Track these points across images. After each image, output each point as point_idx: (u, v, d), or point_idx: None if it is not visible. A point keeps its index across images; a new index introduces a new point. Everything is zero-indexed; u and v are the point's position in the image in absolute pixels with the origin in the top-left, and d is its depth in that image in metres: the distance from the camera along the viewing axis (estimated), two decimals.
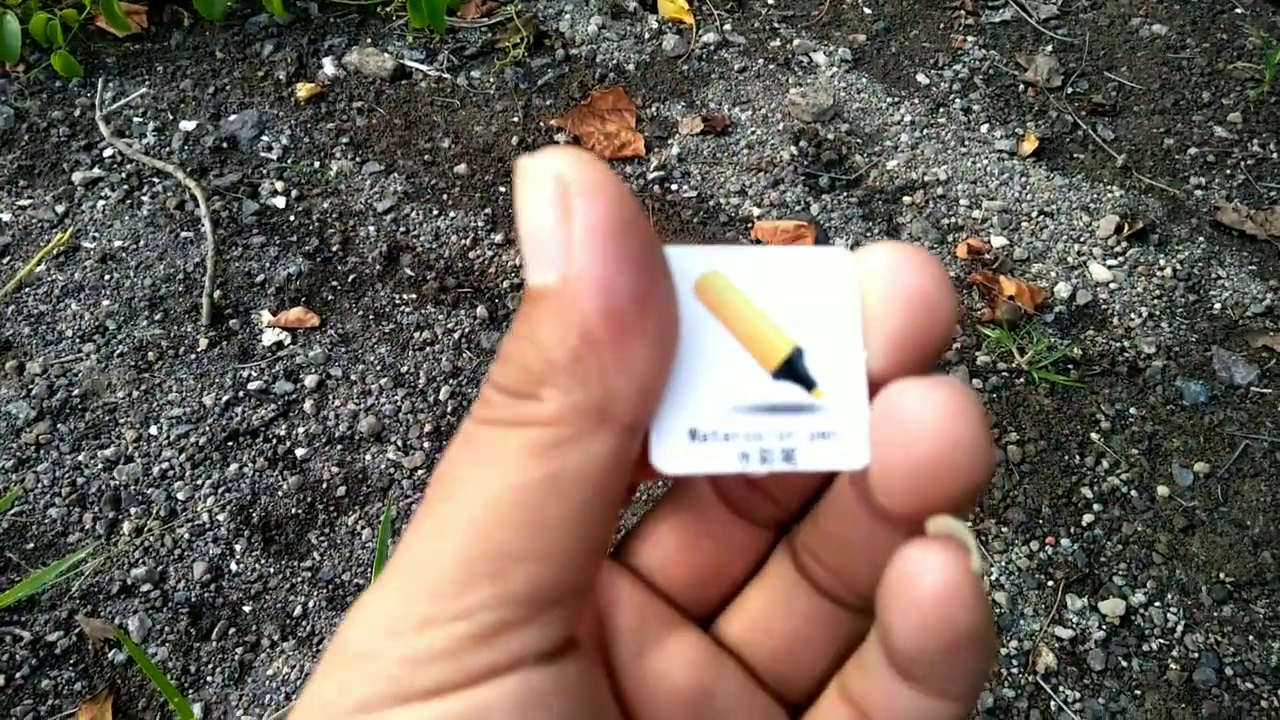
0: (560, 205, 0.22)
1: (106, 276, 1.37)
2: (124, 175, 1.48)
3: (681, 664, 0.29)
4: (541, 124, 1.60)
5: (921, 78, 1.73)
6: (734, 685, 0.29)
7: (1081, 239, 1.51)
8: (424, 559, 0.22)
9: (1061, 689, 1.12)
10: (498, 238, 1.45)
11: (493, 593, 0.21)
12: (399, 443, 1.24)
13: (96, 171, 1.48)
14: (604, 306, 0.22)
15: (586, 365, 0.22)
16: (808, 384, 0.25)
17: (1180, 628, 1.16)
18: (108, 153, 1.50)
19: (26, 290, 1.35)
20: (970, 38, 1.80)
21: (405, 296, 1.37)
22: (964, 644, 0.22)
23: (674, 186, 1.54)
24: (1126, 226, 1.51)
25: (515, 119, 1.61)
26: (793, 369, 0.25)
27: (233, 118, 1.56)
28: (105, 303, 1.34)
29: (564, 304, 0.22)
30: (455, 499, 0.22)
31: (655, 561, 0.30)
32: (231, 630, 1.10)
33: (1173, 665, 1.14)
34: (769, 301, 0.25)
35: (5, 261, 1.38)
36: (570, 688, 0.23)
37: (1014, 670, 1.13)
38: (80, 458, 1.21)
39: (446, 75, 1.66)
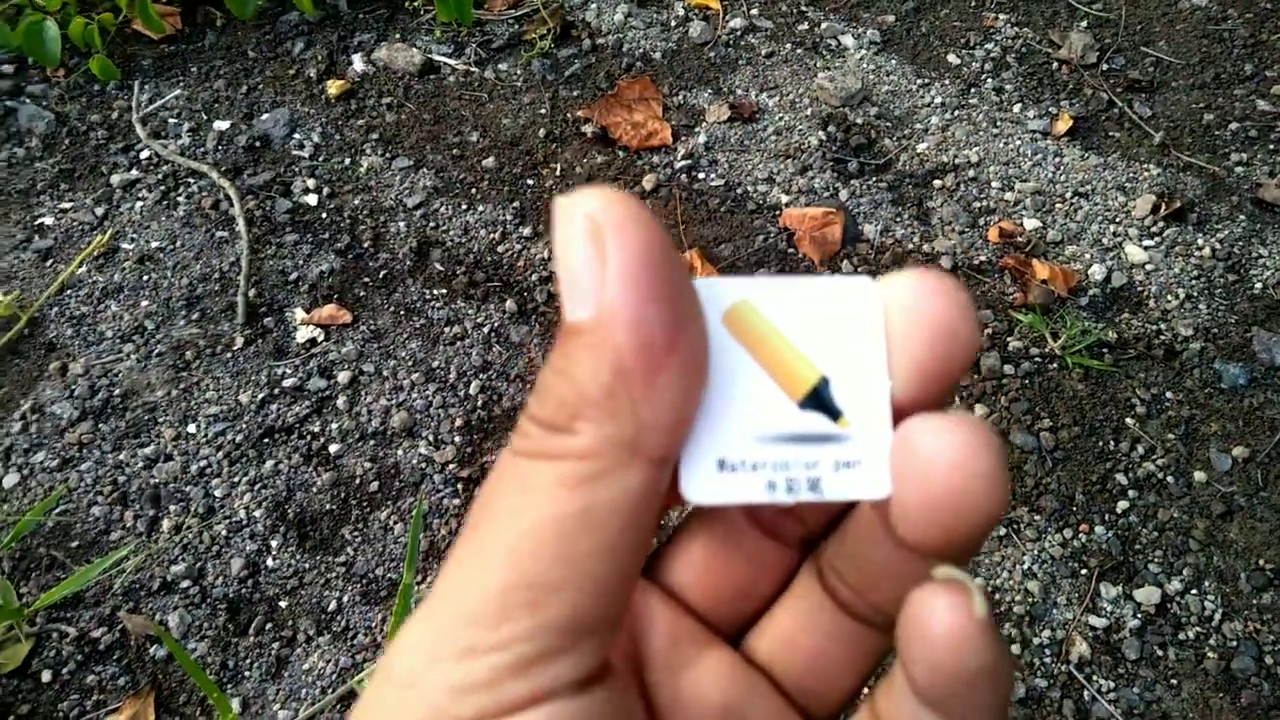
0: (594, 243, 0.22)
1: (145, 277, 1.40)
2: (160, 176, 1.51)
3: (713, 682, 0.30)
4: (569, 115, 1.61)
5: (952, 58, 1.70)
6: (764, 703, 0.30)
7: (1117, 220, 1.48)
8: (464, 588, 0.23)
9: (1095, 678, 1.11)
10: (526, 231, 1.46)
11: (530, 624, 0.22)
12: (430, 438, 1.25)
13: (134, 173, 1.51)
14: (636, 341, 0.22)
15: (619, 399, 0.23)
16: (834, 414, 0.25)
17: (1218, 616, 1.14)
18: (144, 154, 1.53)
19: (68, 292, 1.38)
20: (1002, 15, 1.76)
21: (435, 292, 1.39)
22: (977, 681, 0.24)
23: (701, 175, 1.54)
24: (1164, 206, 1.47)
25: (543, 111, 1.61)
26: (819, 399, 0.26)
27: (265, 116, 1.59)
28: (144, 303, 1.37)
29: (598, 339, 0.22)
30: (493, 529, 0.23)
31: (686, 579, 0.31)
32: (268, 625, 1.13)
33: (1210, 654, 1.12)
34: (796, 331, 0.26)
35: (48, 264, 1.41)
36: (604, 715, 0.24)
37: (1047, 660, 1.12)
38: (121, 456, 1.24)
39: (474, 68, 1.67)
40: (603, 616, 0.23)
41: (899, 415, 0.25)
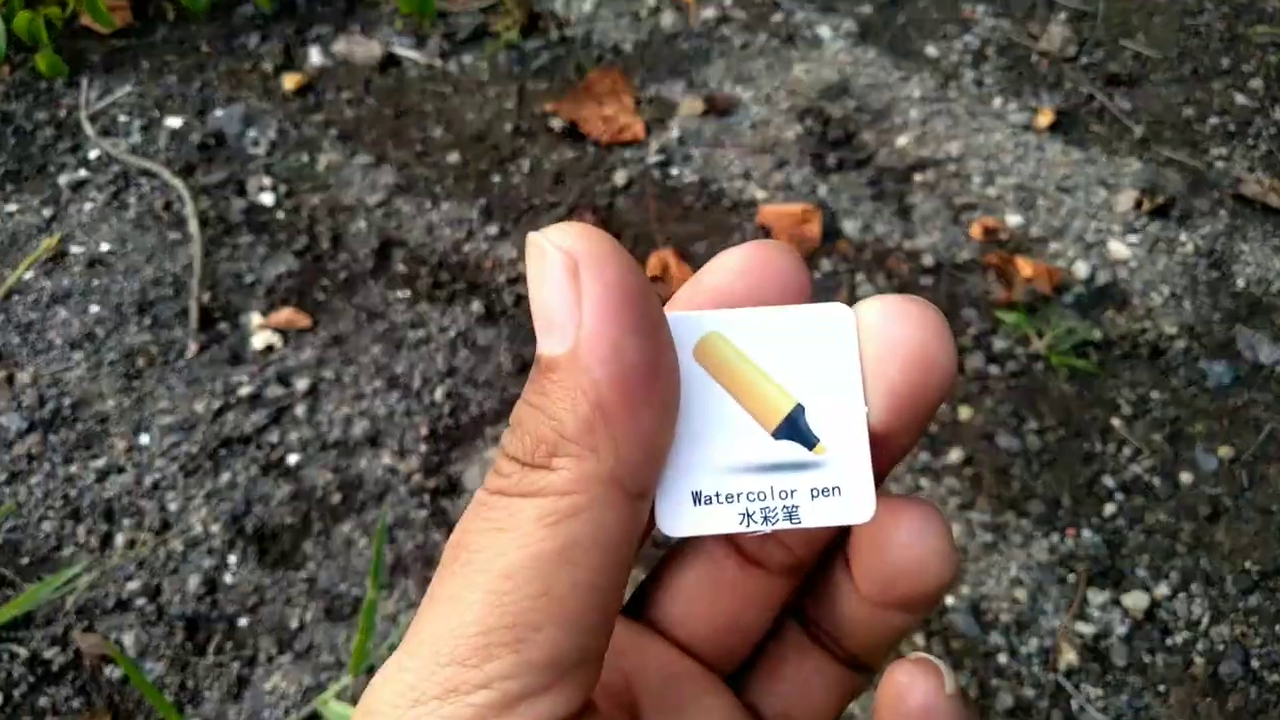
0: (570, 277, 0.22)
1: (94, 281, 1.34)
2: (110, 176, 1.45)
3: None
4: (536, 109, 1.56)
5: (931, 50, 1.67)
6: None
7: (1100, 215, 1.46)
8: (444, 628, 0.23)
9: (1084, 686, 1.08)
10: (493, 230, 1.41)
11: (513, 661, 0.22)
12: (394, 447, 1.20)
13: (83, 173, 1.45)
14: (616, 376, 0.22)
15: (598, 433, 0.23)
16: (808, 442, 0.25)
17: (1205, 620, 1.12)
18: (94, 154, 1.47)
19: (15, 297, 1.32)
20: (981, 7, 1.73)
21: (398, 294, 1.34)
22: None
23: (675, 171, 1.50)
24: (1146, 201, 1.45)
25: (509, 105, 1.56)
26: (793, 427, 0.26)
27: (219, 113, 1.53)
28: (94, 308, 1.31)
29: (575, 373, 0.22)
30: (471, 568, 0.23)
31: (674, 614, 0.31)
32: (228, 644, 1.08)
33: (1198, 659, 1.10)
34: (769, 360, 0.26)
35: None
36: None
37: (1035, 669, 1.09)
38: (72, 469, 1.18)
39: (437, 62, 1.62)
40: (585, 653, 0.23)
41: (878, 442, 0.26)
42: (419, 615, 0.24)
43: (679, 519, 0.25)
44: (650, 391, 0.23)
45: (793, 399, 0.26)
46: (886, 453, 0.27)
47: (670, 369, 0.24)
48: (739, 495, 0.25)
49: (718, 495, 0.25)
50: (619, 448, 0.23)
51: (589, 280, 0.22)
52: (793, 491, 0.25)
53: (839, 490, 0.25)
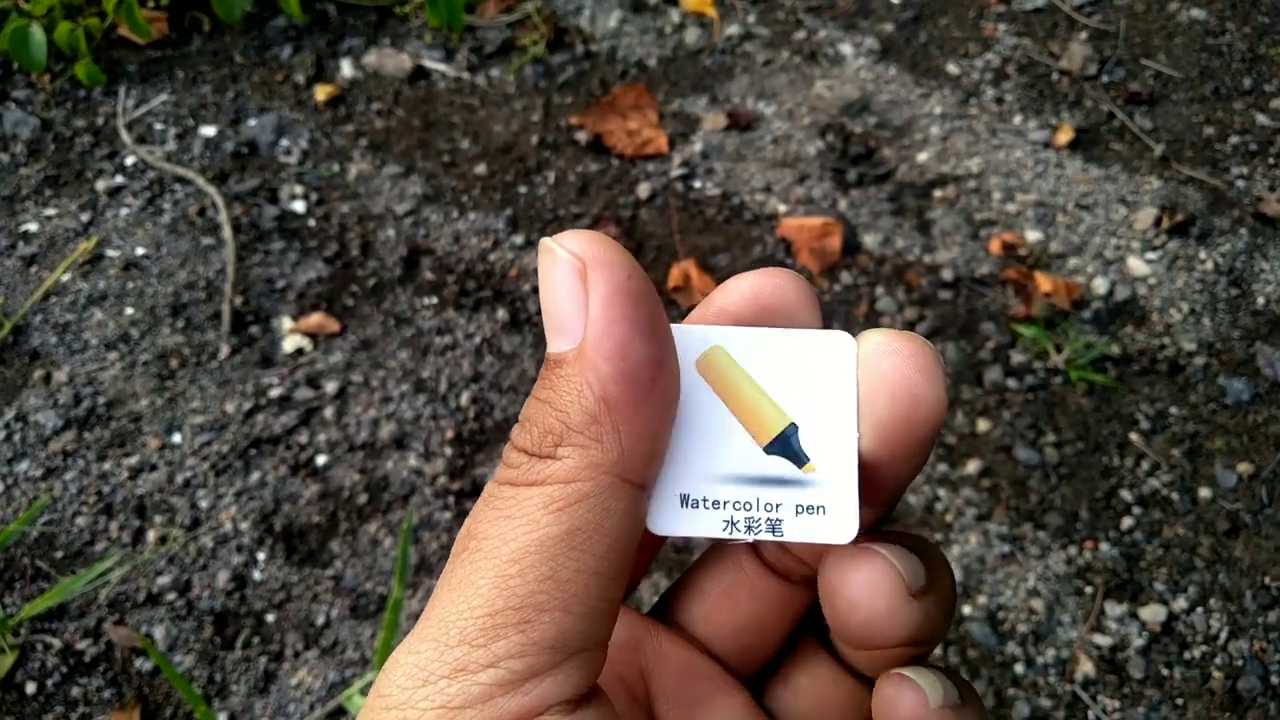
0: (578, 279, 0.24)
1: (130, 284, 1.37)
2: (146, 183, 1.48)
3: None
4: (561, 122, 1.59)
5: (952, 67, 1.69)
6: None
7: (1119, 232, 1.47)
8: (453, 611, 0.24)
9: (1100, 698, 1.09)
10: (518, 239, 1.43)
11: (520, 641, 0.23)
12: (420, 449, 1.23)
13: (119, 179, 1.48)
14: (621, 372, 0.24)
15: (603, 425, 0.24)
16: (798, 460, 0.27)
17: (1224, 634, 1.13)
18: (130, 160, 1.50)
19: (53, 299, 1.35)
20: (1002, 25, 1.75)
21: (425, 301, 1.36)
22: None
23: (697, 184, 1.52)
24: (1166, 219, 1.46)
25: (535, 118, 1.59)
26: (785, 444, 0.27)
27: (252, 122, 1.56)
28: (129, 311, 1.34)
29: (582, 369, 0.24)
30: (479, 555, 0.24)
31: (697, 613, 0.32)
32: (255, 639, 1.10)
33: (1216, 673, 1.10)
34: (769, 379, 0.27)
35: (33, 271, 1.38)
36: None
37: (1051, 679, 1.10)
38: (106, 466, 1.21)
39: (465, 75, 1.65)
40: (589, 637, 0.24)
41: (869, 470, 0.27)
42: (430, 602, 0.25)
43: (666, 518, 0.26)
44: (653, 388, 0.24)
45: (787, 418, 0.27)
46: (880, 483, 0.28)
47: (672, 369, 0.25)
48: (726, 503, 0.26)
49: (705, 501, 0.27)
50: (622, 439, 0.24)
51: (597, 282, 0.24)
52: (778, 505, 0.26)
53: (823, 510, 0.26)
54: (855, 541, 0.27)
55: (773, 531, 0.26)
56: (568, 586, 0.23)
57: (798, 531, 0.26)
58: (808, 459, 0.26)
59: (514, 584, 0.23)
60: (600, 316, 0.24)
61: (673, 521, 0.26)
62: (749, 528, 0.26)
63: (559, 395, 0.24)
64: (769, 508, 0.26)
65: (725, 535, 0.26)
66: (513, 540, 0.24)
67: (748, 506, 0.26)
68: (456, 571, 0.24)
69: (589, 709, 0.24)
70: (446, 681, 0.23)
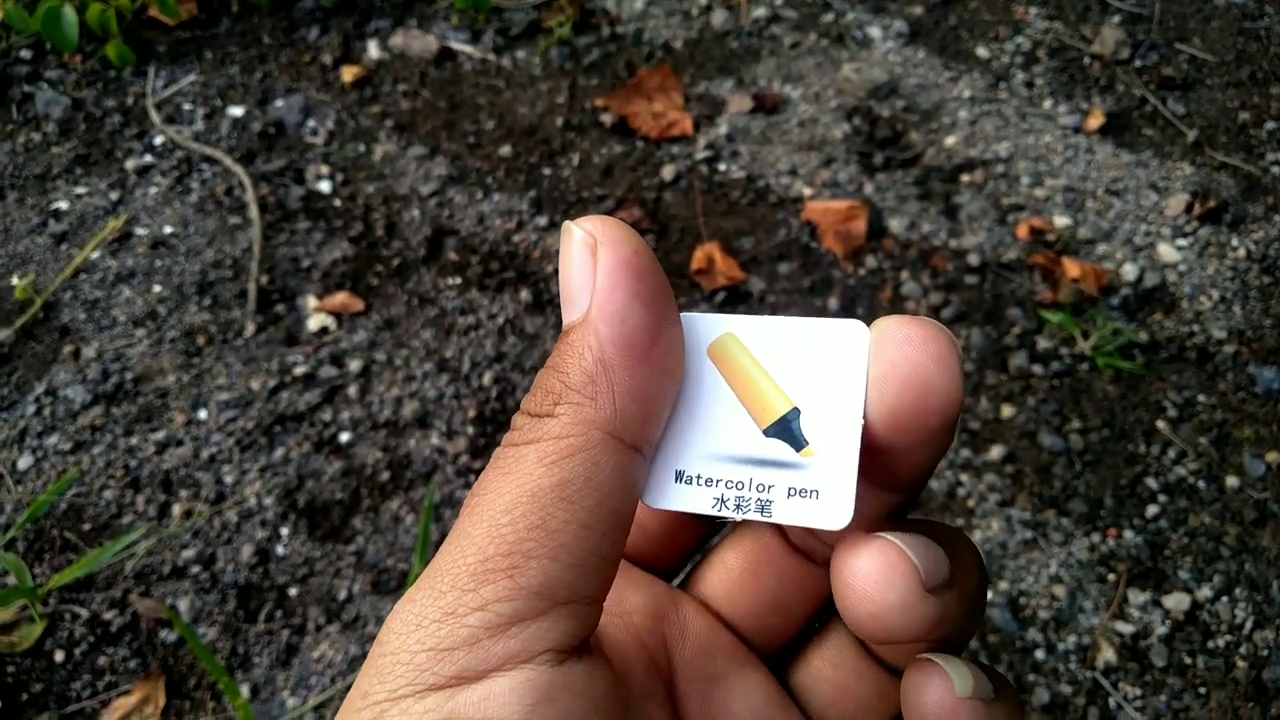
0: (589, 253, 0.26)
1: (158, 262, 1.38)
2: (174, 162, 1.49)
3: (744, 702, 0.31)
4: (587, 104, 1.58)
5: (982, 51, 1.67)
6: None
7: (1150, 219, 1.45)
8: (448, 562, 0.25)
9: (1121, 685, 1.08)
10: (542, 221, 1.43)
11: (508, 585, 0.24)
12: (443, 428, 1.23)
13: (148, 159, 1.50)
14: (619, 335, 0.25)
15: (599, 385, 0.25)
16: (797, 444, 0.27)
17: (1249, 624, 1.11)
18: (159, 140, 1.52)
19: (82, 276, 1.37)
20: (1033, 9, 1.73)
21: (449, 281, 1.37)
22: None
23: (722, 166, 1.51)
24: (1198, 205, 1.44)
25: (560, 100, 1.59)
26: (784, 428, 0.27)
27: (279, 103, 1.57)
28: (156, 288, 1.35)
29: (584, 333, 0.25)
30: (477, 509, 0.25)
31: (720, 592, 0.33)
32: (278, 613, 1.11)
33: (1240, 663, 1.09)
34: (778, 365, 0.27)
35: (63, 248, 1.40)
36: (577, 687, 0.25)
37: (1072, 665, 1.09)
38: (133, 441, 1.22)
39: (491, 56, 1.65)
40: (577, 588, 0.25)
41: (878, 457, 0.27)
42: (434, 557, 0.26)
43: (659, 492, 0.27)
44: (649, 353, 0.26)
45: (790, 402, 0.27)
46: (895, 470, 0.27)
47: (670, 337, 0.26)
48: (718, 481, 0.27)
49: (698, 478, 0.27)
50: (616, 399, 0.25)
51: (604, 255, 0.25)
52: (770, 487, 0.27)
53: (817, 494, 0.26)
54: (874, 530, 0.26)
55: (761, 512, 0.27)
56: (556, 536, 0.24)
57: (788, 514, 0.26)
58: (806, 443, 0.27)
59: (505, 532, 0.24)
60: (604, 285, 0.25)
61: (665, 495, 0.27)
62: (738, 506, 0.27)
63: (563, 359, 0.26)
64: (761, 488, 0.27)
65: (714, 512, 0.27)
66: (507, 493, 0.25)
67: (740, 486, 0.27)
68: (457, 527, 0.25)
69: (579, 663, 0.25)
70: (437, 625, 0.24)
